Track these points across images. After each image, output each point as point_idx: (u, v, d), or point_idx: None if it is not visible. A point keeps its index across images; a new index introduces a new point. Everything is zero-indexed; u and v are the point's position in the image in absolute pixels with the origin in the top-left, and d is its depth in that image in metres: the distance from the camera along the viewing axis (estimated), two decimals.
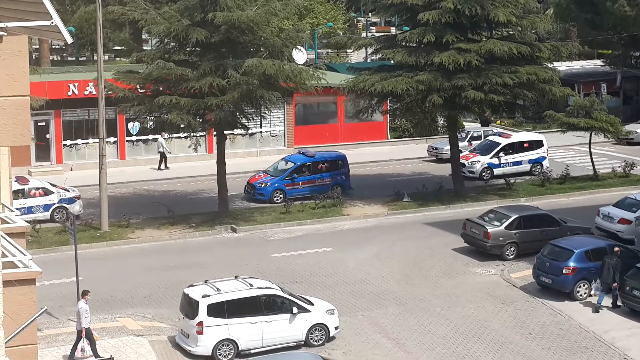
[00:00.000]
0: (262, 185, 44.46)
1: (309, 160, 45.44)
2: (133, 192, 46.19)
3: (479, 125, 59.54)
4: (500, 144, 49.45)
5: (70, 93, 49.80)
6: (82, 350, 26.21)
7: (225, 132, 41.93)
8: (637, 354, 27.77)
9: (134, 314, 30.54)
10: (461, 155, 48.68)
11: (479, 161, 48.87)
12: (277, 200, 43.96)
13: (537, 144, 50.08)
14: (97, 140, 41.93)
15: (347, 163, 46.07)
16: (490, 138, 51.58)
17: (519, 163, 48.98)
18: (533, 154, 49.69)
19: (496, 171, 48.58)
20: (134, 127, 51.48)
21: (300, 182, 44.80)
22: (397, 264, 35.80)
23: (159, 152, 50.92)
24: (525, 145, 49.78)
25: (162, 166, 51.09)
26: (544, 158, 49.86)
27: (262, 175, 45.37)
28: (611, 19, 62.18)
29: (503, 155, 48.97)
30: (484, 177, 48.31)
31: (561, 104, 53.57)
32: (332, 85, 49.84)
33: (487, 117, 58.63)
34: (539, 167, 49.39)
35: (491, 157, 48.93)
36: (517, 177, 48.12)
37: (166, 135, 49.59)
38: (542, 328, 29.66)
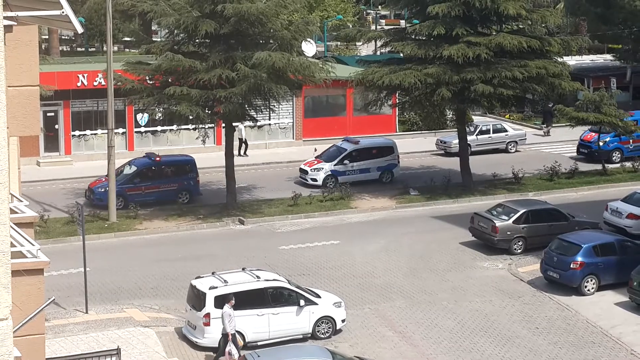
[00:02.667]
0: (102, 190, 40.96)
1: (153, 165, 42.50)
2: None
3: (542, 117, 58.38)
4: (346, 150, 46.31)
5: (79, 84, 49.84)
6: (229, 353, 25.74)
7: (234, 124, 41.94)
8: None
9: (141, 305, 30.58)
10: (305, 161, 47.01)
11: (322, 168, 45.68)
12: (118, 206, 40.04)
13: (387, 151, 46.85)
14: (106, 131, 41.88)
15: (196, 167, 42.91)
16: (338, 144, 47.90)
17: (367, 170, 45.89)
18: (382, 161, 46.56)
19: (341, 179, 45.15)
20: (143, 118, 51.49)
21: (143, 187, 41.68)
22: (405, 257, 35.78)
23: (239, 138, 50.69)
24: (374, 151, 46.67)
25: (242, 152, 51.40)
26: (395, 165, 46.79)
27: (104, 179, 41.29)
28: (621, 14, 62.01)
29: (348, 162, 45.89)
30: (328, 185, 44.70)
31: (570, 99, 53.39)
32: (341, 78, 49.75)
33: (550, 109, 56.91)
34: (388, 175, 46.63)
35: (335, 164, 45.73)
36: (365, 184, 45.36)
37: (246, 123, 47.14)
38: (549, 323, 29.62)
